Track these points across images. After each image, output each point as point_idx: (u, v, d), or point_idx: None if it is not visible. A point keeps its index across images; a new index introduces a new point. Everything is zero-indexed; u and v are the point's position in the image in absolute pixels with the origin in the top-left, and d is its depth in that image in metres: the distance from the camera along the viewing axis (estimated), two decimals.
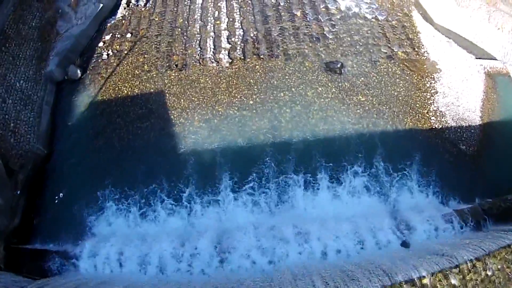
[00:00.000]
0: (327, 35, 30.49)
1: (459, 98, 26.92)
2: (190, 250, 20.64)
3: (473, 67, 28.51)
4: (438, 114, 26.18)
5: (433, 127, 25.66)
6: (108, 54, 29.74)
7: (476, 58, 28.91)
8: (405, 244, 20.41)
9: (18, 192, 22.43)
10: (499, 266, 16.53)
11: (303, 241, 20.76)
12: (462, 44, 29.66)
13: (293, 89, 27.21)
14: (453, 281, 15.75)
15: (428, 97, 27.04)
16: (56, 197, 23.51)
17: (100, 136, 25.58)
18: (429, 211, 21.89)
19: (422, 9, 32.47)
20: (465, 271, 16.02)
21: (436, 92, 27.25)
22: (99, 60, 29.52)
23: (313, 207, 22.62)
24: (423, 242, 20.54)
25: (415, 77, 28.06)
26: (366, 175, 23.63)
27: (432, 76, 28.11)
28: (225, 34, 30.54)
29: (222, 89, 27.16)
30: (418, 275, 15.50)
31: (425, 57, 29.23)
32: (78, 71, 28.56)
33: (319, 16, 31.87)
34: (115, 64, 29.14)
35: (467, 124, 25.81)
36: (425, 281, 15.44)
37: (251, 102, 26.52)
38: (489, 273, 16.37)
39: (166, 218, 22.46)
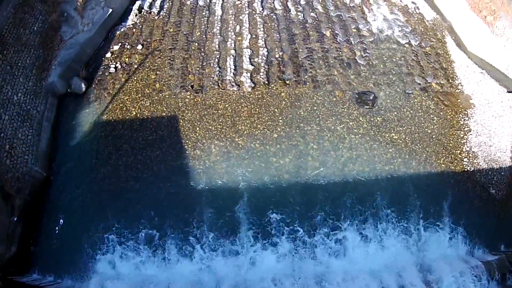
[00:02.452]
0: (359, 60, 27.39)
1: (492, 137, 24.92)
2: None
3: (505, 102, 26.26)
4: (470, 155, 24.10)
5: (465, 169, 23.62)
6: (116, 67, 26.28)
7: (508, 92, 26.61)
8: None
9: (15, 218, 19.75)
10: None
11: None
12: (495, 76, 27.31)
13: (321, 123, 24.17)
14: None
15: (461, 136, 24.74)
16: (56, 228, 20.74)
17: (105, 162, 22.47)
18: (457, 263, 20.52)
19: (455, 35, 29.86)
20: None
21: (470, 131, 25.04)
22: (106, 74, 26.04)
23: (338, 259, 20.46)
24: None
25: (449, 113, 25.62)
26: (395, 223, 21.51)
27: (466, 112, 25.72)
28: (247, 53, 27.10)
29: (243, 118, 23.96)
30: None
31: (459, 90, 26.75)
32: (83, 85, 25.11)
33: (350, 38, 28.71)
34: (123, 79, 25.72)
35: (497, 166, 24.02)
36: None
37: (275, 135, 23.42)
38: None
39: (176, 264, 19.79)
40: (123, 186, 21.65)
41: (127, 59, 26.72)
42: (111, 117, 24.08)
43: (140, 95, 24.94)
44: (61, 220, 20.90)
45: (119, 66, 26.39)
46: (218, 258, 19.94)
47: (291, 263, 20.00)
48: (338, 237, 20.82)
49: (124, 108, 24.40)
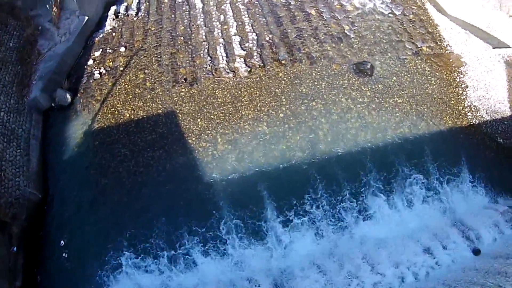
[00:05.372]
0: (349, 33, 25.78)
1: (488, 91, 24.22)
2: None
3: (493, 57, 25.44)
4: (473, 109, 23.29)
5: (471, 123, 22.79)
6: (100, 73, 23.84)
7: (494, 48, 25.73)
8: (476, 252, 18.02)
9: (15, 248, 16.97)
10: None
11: (374, 270, 17.06)
12: (479, 35, 26.36)
13: (325, 97, 22.30)
14: None
15: (460, 92, 23.83)
16: (64, 253, 17.66)
17: (104, 172, 19.82)
18: (487, 213, 19.60)
19: (434, 1, 28.71)
20: None
21: (467, 87, 24.21)
22: (91, 81, 23.54)
23: (371, 229, 18.60)
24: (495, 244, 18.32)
25: (444, 73, 24.57)
26: (419, 183, 20.14)
27: (460, 70, 24.78)
28: (236, 39, 25.08)
29: (245, 102, 21.87)
30: None
31: (449, 51, 25.69)
32: (68, 96, 22.57)
33: (336, 14, 27.07)
34: (110, 83, 23.27)
35: (500, 117, 23.22)
36: None
37: (281, 115, 21.41)
38: None
39: (205, 266, 17.23)
40: (129, 195, 19.03)
41: (111, 63, 24.31)
42: (103, 124, 21.57)
43: (131, 96, 22.54)
44: (62, 242, 17.91)
45: (104, 71, 23.95)
46: (249, 251, 17.62)
47: (328, 241, 17.98)
48: (368, 206, 19.01)
49: (116, 112, 21.94)
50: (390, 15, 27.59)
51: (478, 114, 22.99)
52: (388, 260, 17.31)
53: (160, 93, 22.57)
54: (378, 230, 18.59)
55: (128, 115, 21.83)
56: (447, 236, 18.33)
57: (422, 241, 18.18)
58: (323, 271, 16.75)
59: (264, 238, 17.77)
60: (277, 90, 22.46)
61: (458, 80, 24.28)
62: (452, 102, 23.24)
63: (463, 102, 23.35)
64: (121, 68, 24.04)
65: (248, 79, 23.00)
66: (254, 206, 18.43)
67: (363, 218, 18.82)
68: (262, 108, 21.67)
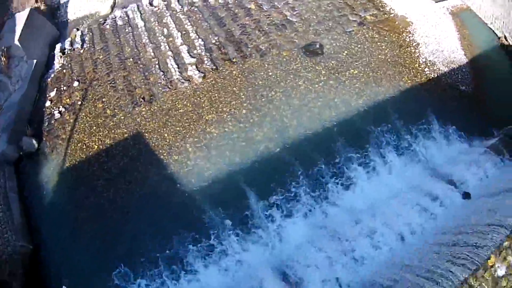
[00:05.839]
0: (291, 19, 25.99)
1: (440, 43, 24.67)
2: None
3: (438, 11, 26.30)
4: (429, 64, 23.59)
5: (430, 77, 23.05)
6: (60, 112, 23.73)
7: (436, 2, 26.69)
8: (466, 195, 17.97)
9: None
10: None
11: (371, 236, 17.03)
12: None
13: (282, 84, 22.53)
14: None
15: (413, 51, 24.16)
16: None
17: (86, 206, 19.68)
18: (466, 158, 19.69)
19: None
20: None
21: (418, 44, 24.56)
22: (53, 122, 23.44)
23: (357, 197, 18.84)
24: (482, 185, 18.32)
25: (393, 36, 24.92)
26: (393, 144, 20.39)
27: (408, 30, 25.24)
28: (184, 49, 25.13)
29: (206, 107, 21.98)
30: None
31: (393, 14, 26.14)
32: (34, 142, 22.45)
33: (275, 3, 27.27)
34: (72, 120, 23.18)
35: (457, 65, 23.71)
36: None
37: (244, 111, 21.57)
38: None
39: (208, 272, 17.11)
40: (115, 223, 18.92)
41: (68, 100, 24.21)
42: (74, 161, 21.47)
43: (94, 127, 22.51)
44: (64, 287, 17.48)
45: (63, 109, 23.85)
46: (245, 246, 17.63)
47: (319, 218, 18.22)
48: (348, 176, 19.25)
49: (84, 147, 21.87)
50: None
51: (435, 68, 23.37)
52: (381, 224, 17.37)
53: (122, 117, 22.57)
54: (364, 197, 18.83)
55: (96, 146, 21.78)
56: (433, 188, 18.39)
57: (411, 198, 18.14)
58: (322, 249, 16.79)
59: (256, 232, 17.81)
60: (234, 89, 22.62)
61: (408, 40, 24.64)
62: (407, 61, 23.57)
63: (417, 60, 23.70)
64: (79, 102, 23.95)
65: (204, 85, 23.11)
66: (238, 202, 18.48)
67: (346, 188, 18.99)
68: (224, 109, 21.81)
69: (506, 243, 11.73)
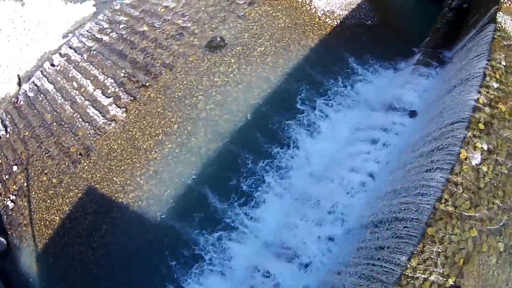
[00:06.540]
0: (185, 25, 26.45)
1: None
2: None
3: None
4: (328, 14, 24.62)
5: (334, 25, 24.09)
6: (12, 200, 23.52)
7: None
8: (413, 114, 18.27)
9: None
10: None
11: (342, 180, 17.47)
12: None
13: (200, 87, 22.97)
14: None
15: (308, 8, 25.22)
16: None
17: (72, 276, 19.76)
18: (397, 81, 20.54)
19: None
20: None
21: (311, 0, 25.50)
22: (10, 212, 23.19)
23: (314, 159, 19.44)
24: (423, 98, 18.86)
25: (285, 2, 25.89)
26: (325, 98, 21.25)
27: None
28: (98, 93, 25.20)
29: (140, 137, 22.22)
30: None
31: None
32: (2, 240, 22.24)
33: (165, 17, 27.62)
34: (26, 203, 22.99)
35: (355, 5, 25.00)
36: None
37: (175, 126, 21.94)
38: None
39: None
40: (101, 279, 19.15)
41: (14, 187, 23.96)
42: (44, 240, 21.34)
43: (49, 200, 22.39)
44: None
45: (14, 197, 23.61)
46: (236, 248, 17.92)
47: (287, 192, 18.82)
48: (296, 142, 20.02)
49: (47, 223, 21.75)
50: None
51: (335, 15, 24.35)
52: (348, 171, 17.71)
53: (69, 180, 22.54)
54: (318, 157, 19.38)
55: (57, 218, 21.71)
56: (380, 121, 18.75)
57: (363, 138, 18.55)
58: (304, 218, 17.22)
59: (235, 230, 18.25)
60: (158, 110, 22.91)
61: (300, 0, 25.44)
62: (307, 20, 24.44)
63: (316, 14, 24.60)
64: (25, 184, 23.74)
65: (129, 117, 23.31)
66: (206, 209, 18.93)
67: (297, 155, 19.66)
68: (157, 132, 22.11)
69: (469, 134, 12.57)
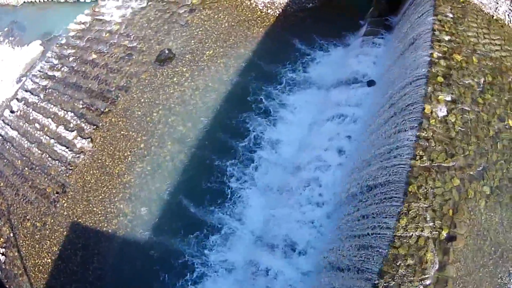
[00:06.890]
0: (132, 45, 26.70)
1: None
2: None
3: None
4: (268, 5, 25.07)
5: (277, 14, 24.52)
6: (2, 253, 23.57)
7: None
8: (371, 83, 18.60)
9: None
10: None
11: (315, 161, 17.84)
12: None
13: (157, 102, 23.23)
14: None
15: (249, 4, 25.73)
16: None
17: None
18: (350, 54, 20.81)
19: None
20: None
21: None
22: (4, 266, 23.19)
23: (284, 148, 19.97)
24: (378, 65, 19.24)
25: (225, 2, 26.22)
26: (281, 88, 21.77)
27: None
28: (61, 129, 25.30)
29: (110, 163, 22.36)
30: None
31: None
32: None
33: (111, 41, 27.95)
34: (15, 252, 23.06)
35: None
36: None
37: (142, 145, 22.15)
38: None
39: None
40: None
41: (1, 239, 23.89)
42: (41, 285, 21.37)
43: (37, 245, 22.47)
44: None
45: (4, 250, 23.63)
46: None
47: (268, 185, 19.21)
48: (263, 136, 20.44)
49: (41, 267, 21.86)
50: (149, 3, 28.84)
51: (276, 5, 24.91)
52: (322, 150, 18.00)
53: (52, 220, 22.62)
54: (288, 144, 19.89)
55: (49, 260, 21.82)
56: (341, 96, 19.22)
57: (327, 116, 19.01)
58: (285, 207, 17.56)
59: (220, 231, 18.62)
60: (122, 132, 23.08)
61: None
62: (249, 15, 24.88)
63: (257, 8, 25.12)
64: (11, 234, 23.80)
65: (96, 146, 23.44)
66: (190, 216, 19.33)
67: (265, 145, 20.13)
68: (126, 154, 22.30)
69: (429, 89, 12.92)
